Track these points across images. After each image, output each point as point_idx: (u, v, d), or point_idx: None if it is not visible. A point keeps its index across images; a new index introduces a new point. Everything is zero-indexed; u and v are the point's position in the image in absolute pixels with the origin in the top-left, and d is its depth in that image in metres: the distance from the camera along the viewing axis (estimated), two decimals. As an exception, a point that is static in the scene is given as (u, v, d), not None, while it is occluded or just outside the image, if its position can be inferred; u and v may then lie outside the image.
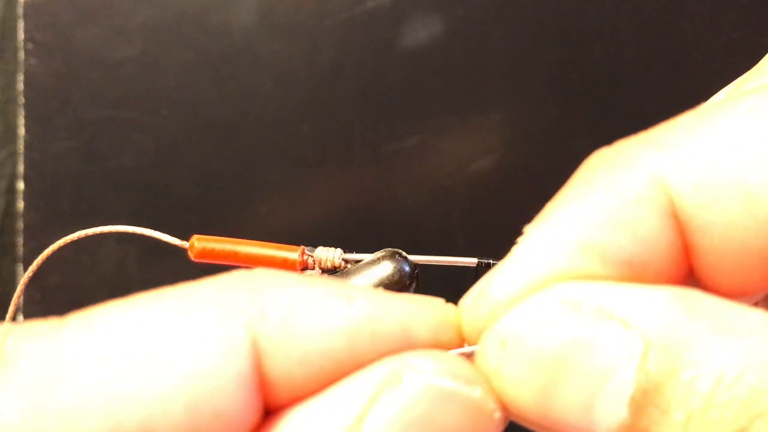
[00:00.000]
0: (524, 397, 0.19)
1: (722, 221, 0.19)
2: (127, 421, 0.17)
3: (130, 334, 0.18)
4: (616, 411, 0.18)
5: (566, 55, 0.64)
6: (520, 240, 0.21)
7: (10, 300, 0.36)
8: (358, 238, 0.63)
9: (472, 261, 0.35)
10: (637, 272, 0.20)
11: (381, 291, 0.20)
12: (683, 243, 0.20)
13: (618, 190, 0.20)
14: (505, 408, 0.20)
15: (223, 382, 0.18)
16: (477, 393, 0.19)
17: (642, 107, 0.64)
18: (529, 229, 0.21)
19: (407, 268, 0.34)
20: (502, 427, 0.19)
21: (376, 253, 0.35)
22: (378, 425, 0.18)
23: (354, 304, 0.19)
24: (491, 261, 0.35)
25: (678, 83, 0.64)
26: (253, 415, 0.18)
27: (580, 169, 0.21)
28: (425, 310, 0.20)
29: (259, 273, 0.20)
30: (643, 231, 0.20)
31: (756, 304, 0.22)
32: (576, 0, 0.64)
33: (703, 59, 0.64)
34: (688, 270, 0.20)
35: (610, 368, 0.18)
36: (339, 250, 0.35)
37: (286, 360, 0.18)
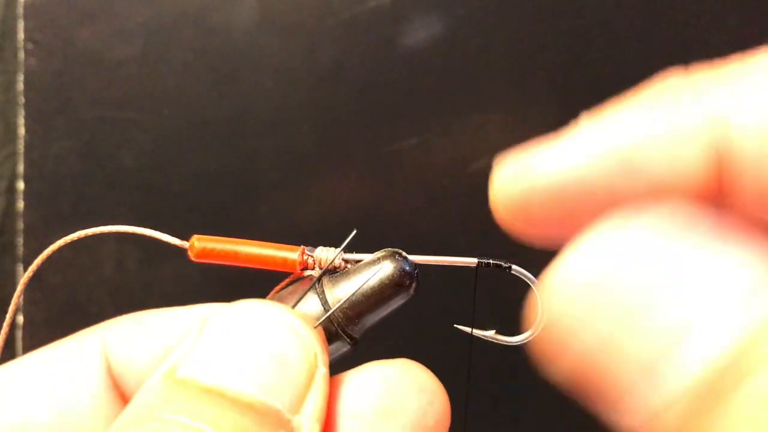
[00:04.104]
0: (586, 341, 0.17)
1: None
2: None
3: None
4: (692, 369, 0.16)
5: (566, 55, 0.64)
6: (575, 125, 0.21)
7: (10, 300, 0.36)
8: (358, 238, 0.63)
9: (472, 261, 0.35)
10: (660, 189, 0.20)
11: None
12: (717, 177, 0.20)
13: (677, 118, 0.20)
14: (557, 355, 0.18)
15: None
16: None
17: (642, 107, 0.64)
18: (585, 118, 0.21)
19: (407, 268, 0.34)
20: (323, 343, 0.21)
21: (376, 253, 0.35)
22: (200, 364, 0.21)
23: None
24: (491, 261, 0.35)
25: (678, 83, 0.64)
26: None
27: (652, 83, 0.22)
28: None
29: None
30: (685, 158, 0.20)
31: None
32: (576, 0, 0.63)
33: (703, 59, 0.64)
34: (711, 202, 0.20)
35: (701, 316, 0.16)
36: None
37: None
